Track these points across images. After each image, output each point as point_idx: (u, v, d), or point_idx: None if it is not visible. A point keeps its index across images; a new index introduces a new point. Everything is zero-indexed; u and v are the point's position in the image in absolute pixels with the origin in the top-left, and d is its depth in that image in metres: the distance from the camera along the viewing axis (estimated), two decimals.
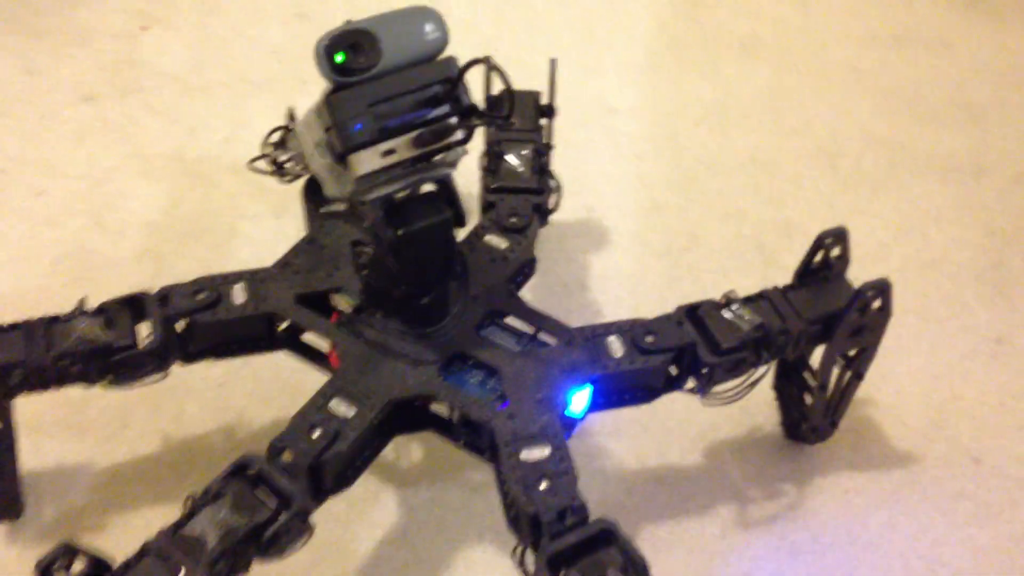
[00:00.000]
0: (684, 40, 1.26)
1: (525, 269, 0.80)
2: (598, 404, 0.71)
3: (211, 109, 1.14)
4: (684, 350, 0.70)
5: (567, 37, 1.26)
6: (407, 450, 0.83)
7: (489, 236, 0.78)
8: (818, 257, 0.74)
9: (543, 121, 0.89)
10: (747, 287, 0.75)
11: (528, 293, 0.95)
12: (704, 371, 0.70)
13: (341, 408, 0.65)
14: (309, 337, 0.74)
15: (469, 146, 0.65)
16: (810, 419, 0.80)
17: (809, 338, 0.73)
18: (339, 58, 0.60)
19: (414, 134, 0.61)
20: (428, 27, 0.62)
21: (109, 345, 0.68)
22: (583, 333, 0.71)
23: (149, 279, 0.95)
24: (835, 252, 0.74)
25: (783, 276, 0.77)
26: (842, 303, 0.72)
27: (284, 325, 0.74)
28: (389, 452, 0.81)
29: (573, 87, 1.19)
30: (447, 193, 0.67)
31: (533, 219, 0.80)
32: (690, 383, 0.72)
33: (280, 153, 0.73)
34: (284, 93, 1.16)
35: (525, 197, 0.81)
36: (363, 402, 0.66)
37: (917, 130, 1.15)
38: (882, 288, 0.72)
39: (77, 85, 1.16)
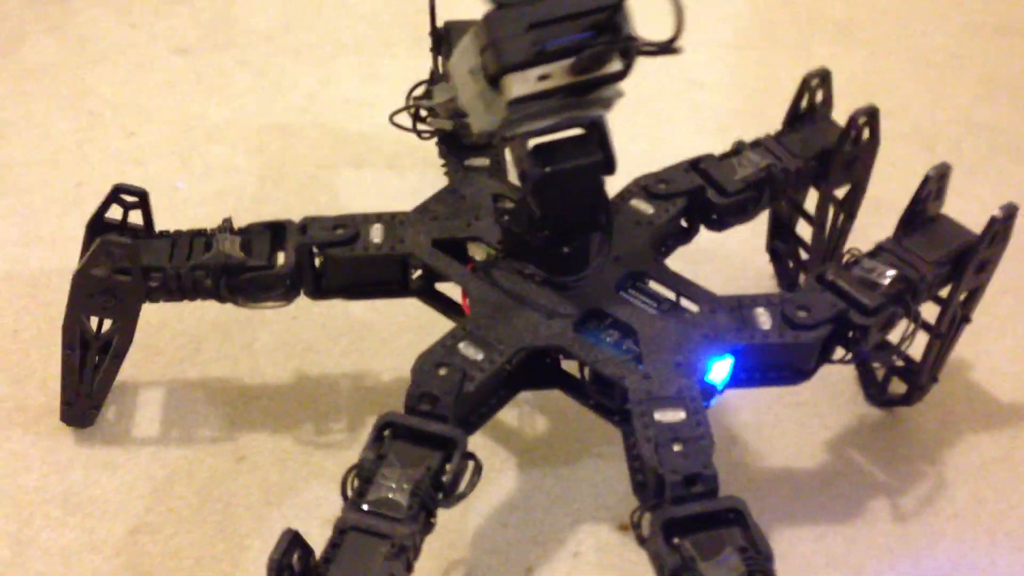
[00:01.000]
0: (776, 21, 1.24)
1: (671, 239, 0.77)
2: (741, 379, 0.68)
3: (299, 66, 1.16)
4: (837, 319, 0.66)
5: (655, 14, 1.25)
6: (532, 420, 0.81)
7: (636, 200, 0.75)
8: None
9: None
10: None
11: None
12: (855, 335, 0.67)
13: (470, 351, 0.64)
14: (442, 288, 0.74)
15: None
16: (918, 375, 0.77)
17: (937, 281, 0.71)
18: None
19: (571, 59, 0.59)
20: None
21: (243, 263, 0.70)
22: (729, 302, 0.68)
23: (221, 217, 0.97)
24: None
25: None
26: (961, 239, 0.71)
27: (417, 273, 0.73)
28: (513, 420, 0.80)
29: (659, 61, 1.17)
30: (599, 137, 0.65)
31: (682, 197, 0.75)
32: (839, 352, 0.69)
33: (424, 103, 0.76)
34: (370, 55, 1.17)
35: (685, 170, 0.77)
36: (493, 348, 0.64)
37: (1020, 118, 1.10)
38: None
39: (173, 38, 1.19)
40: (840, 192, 0.83)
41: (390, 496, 0.57)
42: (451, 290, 0.73)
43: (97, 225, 0.72)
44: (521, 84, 0.59)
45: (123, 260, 0.69)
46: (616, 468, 0.77)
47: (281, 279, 0.71)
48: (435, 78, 0.82)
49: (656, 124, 1.09)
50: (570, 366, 0.68)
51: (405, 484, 0.57)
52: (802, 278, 0.89)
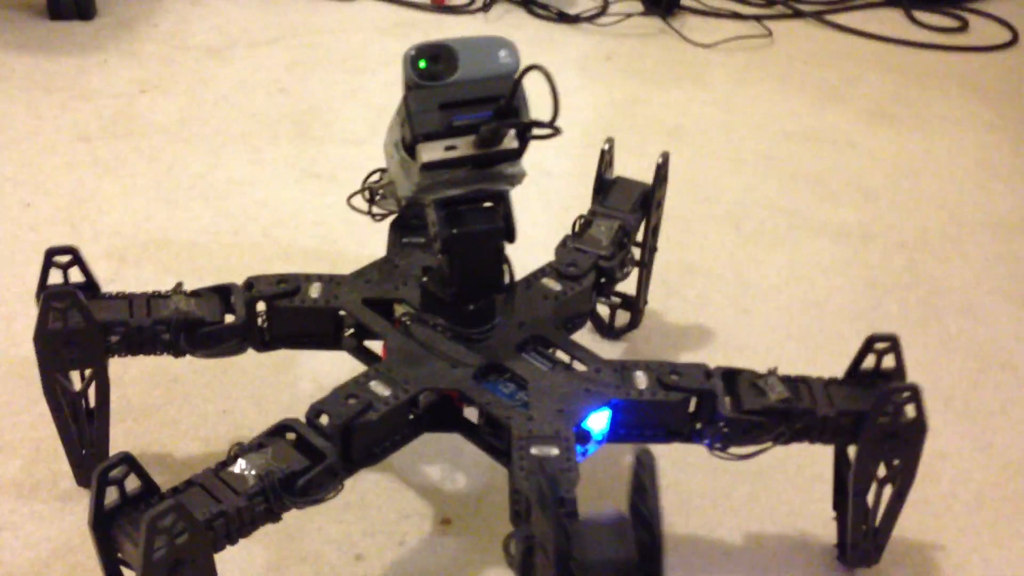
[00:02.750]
0: (618, 126, 1.42)
1: (577, 317, 0.87)
2: (618, 433, 0.76)
3: (191, 153, 1.29)
4: (704, 395, 0.74)
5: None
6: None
7: (547, 279, 0.85)
8: (870, 361, 0.76)
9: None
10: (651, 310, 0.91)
11: None
12: (721, 425, 0.74)
13: (379, 388, 0.72)
14: (369, 344, 0.83)
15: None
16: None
17: (836, 429, 0.75)
18: (421, 64, 0.71)
19: (475, 136, 0.69)
20: (502, 52, 0.72)
21: (201, 319, 0.79)
22: (613, 364, 0.77)
23: (113, 275, 1.08)
24: (889, 361, 0.77)
25: (682, 306, 0.99)
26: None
27: (350, 331, 0.83)
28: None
29: None
30: (504, 209, 0.74)
31: (591, 275, 0.86)
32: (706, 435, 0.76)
33: (376, 187, 0.88)
34: (257, 144, 1.31)
35: (590, 255, 0.87)
36: (399, 386, 0.73)
37: (816, 204, 1.28)
38: (913, 391, 0.73)
39: (76, 129, 1.32)
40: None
41: (242, 473, 0.66)
42: (377, 347, 0.81)
43: (44, 291, 0.77)
44: (431, 152, 0.69)
45: (71, 308, 0.75)
46: (442, 471, 0.88)
47: (233, 331, 0.80)
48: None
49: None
50: (471, 415, 0.76)
51: (259, 471, 0.66)
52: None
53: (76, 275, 0.80)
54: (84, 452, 0.81)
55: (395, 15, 1.68)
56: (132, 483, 0.63)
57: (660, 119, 1.45)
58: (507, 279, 0.77)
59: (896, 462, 0.75)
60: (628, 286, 0.98)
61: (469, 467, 0.89)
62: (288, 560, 0.80)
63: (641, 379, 0.75)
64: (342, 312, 0.81)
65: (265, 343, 0.83)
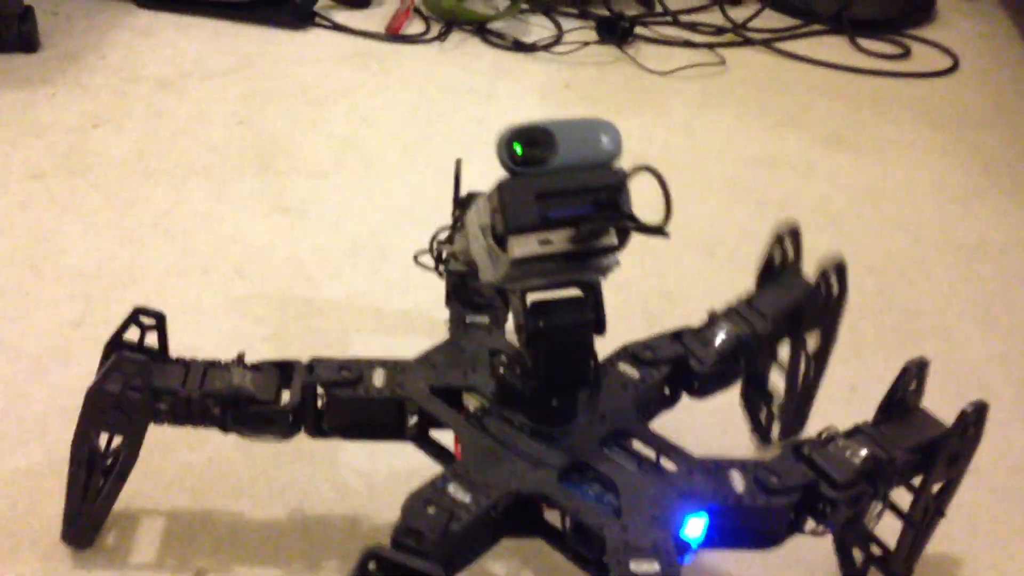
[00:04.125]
0: None
1: (655, 404, 0.81)
2: (715, 540, 0.71)
3: (151, 188, 1.25)
4: (807, 489, 0.70)
5: (480, 149, 1.41)
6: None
7: (623, 364, 0.80)
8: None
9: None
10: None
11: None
12: (825, 507, 0.71)
13: (458, 493, 0.67)
14: (436, 435, 0.78)
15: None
16: (891, 562, 0.80)
17: (909, 468, 0.76)
18: (517, 149, 0.65)
19: (572, 230, 0.64)
20: (604, 138, 0.67)
21: (252, 396, 0.74)
22: (705, 463, 0.72)
23: (80, 317, 1.03)
24: (912, 386, 0.78)
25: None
26: (934, 431, 0.77)
27: (414, 420, 0.77)
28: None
29: (483, 184, 1.32)
30: (593, 299, 0.69)
31: (668, 365, 0.80)
32: (810, 523, 0.72)
33: (446, 248, 0.84)
34: (219, 179, 1.28)
35: (669, 340, 0.82)
36: (480, 491, 0.67)
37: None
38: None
39: (28, 166, 1.27)
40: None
41: None
42: (443, 437, 0.77)
43: (116, 344, 0.76)
44: (523, 246, 0.64)
45: (136, 377, 0.72)
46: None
47: (284, 415, 0.74)
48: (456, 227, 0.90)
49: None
50: (552, 517, 0.71)
51: None
52: (776, 428, 0.93)
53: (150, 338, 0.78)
54: (84, 511, 0.77)
55: (351, 45, 1.66)
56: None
57: (624, 146, 1.45)
58: (594, 373, 0.72)
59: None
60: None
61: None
62: None
63: (738, 480, 0.70)
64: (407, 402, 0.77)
65: (321, 431, 0.77)
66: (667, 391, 0.82)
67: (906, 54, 1.81)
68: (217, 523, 0.84)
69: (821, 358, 0.85)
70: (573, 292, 0.69)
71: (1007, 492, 0.95)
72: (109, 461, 0.76)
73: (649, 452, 0.73)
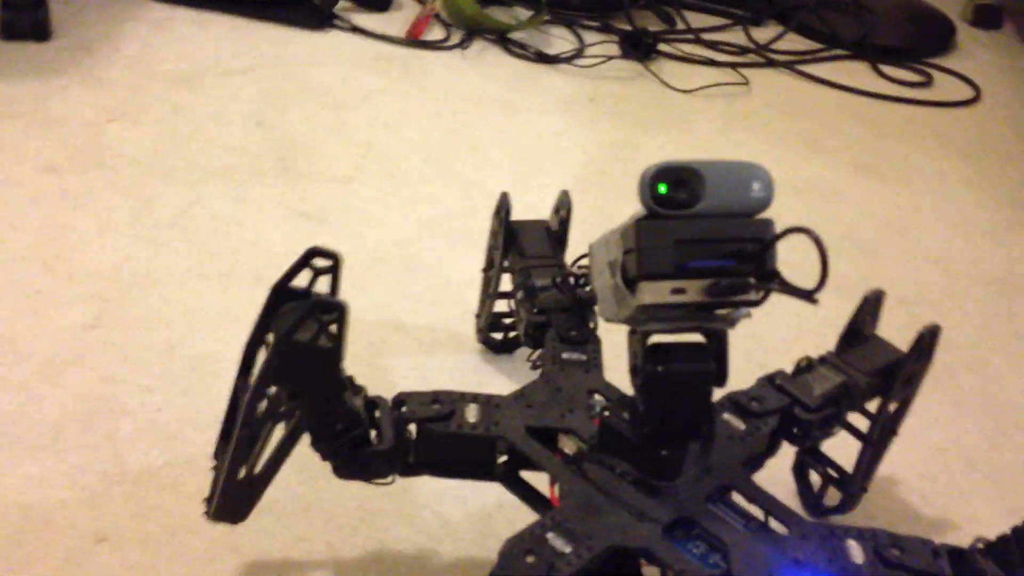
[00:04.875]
0: (609, 171, 1.39)
1: (759, 457, 0.78)
2: None
3: (168, 187, 1.21)
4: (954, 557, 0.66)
5: (504, 160, 1.38)
6: None
7: (727, 415, 0.76)
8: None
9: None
10: None
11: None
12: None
13: (558, 543, 0.63)
14: (526, 475, 0.74)
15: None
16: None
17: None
18: (661, 188, 0.60)
19: (709, 281, 0.60)
20: (756, 184, 0.62)
21: (363, 435, 0.68)
22: (820, 529, 0.67)
23: (95, 319, 0.99)
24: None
25: None
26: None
27: (503, 459, 0.73)
28: None
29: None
30: (716, 349, 0.65)
31: (775, 417, 0.76)
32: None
33: (583, 271, 0.80)
34: (239, 180, 1.24)
35: (771, 387, 0.78)
36: (581, 542, 0.63)
37: (816, 258, 1.27)
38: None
39: (41, 159, 1.23)
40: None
41: None
42: (537, 474, 0.73)
43: (283, 289, 0.67)
44: (655, 293, 0.60)
45: (330, 326, 0.63)
46: None
47: (381, 455, 0.69)
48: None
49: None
50: (649, 573, 0.68)
51: None
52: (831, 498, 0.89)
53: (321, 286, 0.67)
54: (244, 481, 0.68)
55: (370, 48, 1.62)
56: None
57: (648, 159, 1.42)
58: (708, 425, 0.68)
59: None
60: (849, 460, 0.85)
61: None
62: None
63: (856, 551, 0.65)
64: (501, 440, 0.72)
65: (408, 467, 0.72)
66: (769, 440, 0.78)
67: (928, 82, 1.79)
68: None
69: (895, 424, 0.82)
70: (695, 337, 0.65)
71: None
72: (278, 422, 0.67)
73: (756, 511, 0.69)
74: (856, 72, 1.80)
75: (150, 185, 1.21)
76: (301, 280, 0.67)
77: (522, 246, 0.93)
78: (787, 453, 0.83)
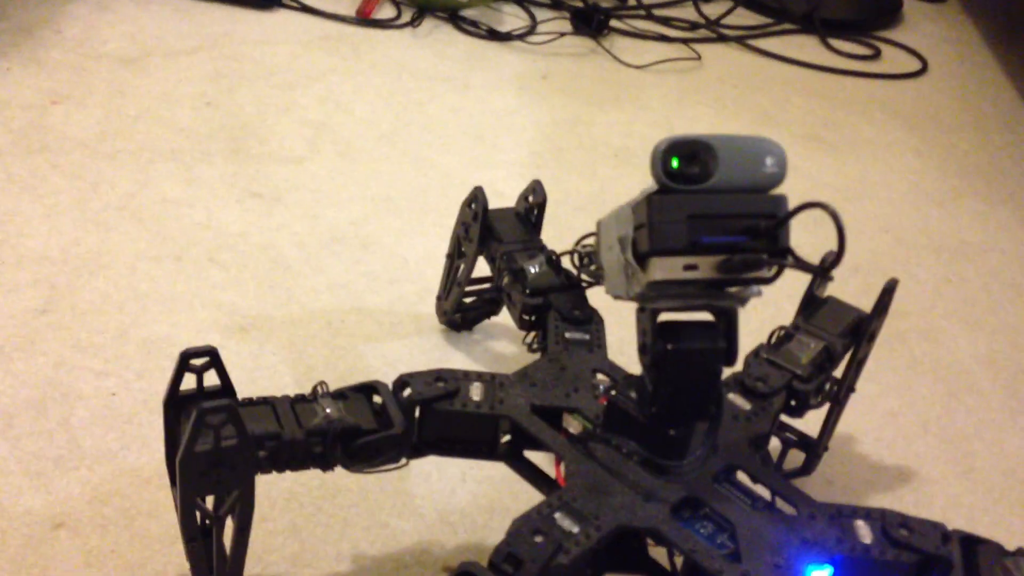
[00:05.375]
0: (565, 148, 1.39)
1: (758, 440, 0.76)
2: None
3: (116, 170, 1.18)
4: (939, 563, 0.65)
5: (458, 138, 1.38)
6: None
7: (733, 395, 0.75)
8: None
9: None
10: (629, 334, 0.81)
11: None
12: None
13: (565, 522, 0.62)
14: (530, 455, 0.74)
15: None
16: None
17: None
18: (673, 163, 0.59)
19: (722, 257, 0.59)
20: (769, 160, 0.60)
21: (358, 427, 0.67)
22: (827, 509, 0.67)
23: (44, 304, 0.97)
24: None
25: None
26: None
27: (507, 438, 0.72)
28: None
29: (463, 176, 1.29)
30: (726, 327, 0.64)
31: (781, 395, 0.76)
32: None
33: (587, 251, 0.79)
34: (188, 161, 1.22)
35: (784, 372, 0.77)
36: (588, 522, 0.62)
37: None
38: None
39: None
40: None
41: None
42: (541, 455, 0.73)
43: (174, 399, 0.66)
44: (666, 269, 0.59)
45: (227, 425, 0.62)
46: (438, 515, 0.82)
47: (394, 441, 0.68)
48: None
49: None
50: (656, 554, 0.68)
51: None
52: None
53: (210, 378, 0.66)
54: None
55: (319, 28, 1.60)
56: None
57: (605, 140, 1.43)
58: (716, 405, 0.67)
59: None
60: (807, 425, 0.86)
61: (464, 511, 0.84)
62: None
63: (864, 531, 0.65)
64: (506, 419, 0.71)
65: (413, 447, 0.71)
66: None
67: (876, 55, 1.82)
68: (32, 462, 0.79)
69: (852, 384, 0.85)
70: (704, 315, 0.64)
71: (1002, 494, 0.95)
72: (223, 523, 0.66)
73: (763, 492, 0.68)
74: (805, 46, 1.81)
75: (97, 168, 1.18)
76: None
77: (499, 233, 0.92)
78: None
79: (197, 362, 0.65)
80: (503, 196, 1.27)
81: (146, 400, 0.88)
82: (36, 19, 1.48)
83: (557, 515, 0.62)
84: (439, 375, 0.71)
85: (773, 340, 0.81)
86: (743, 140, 0.60)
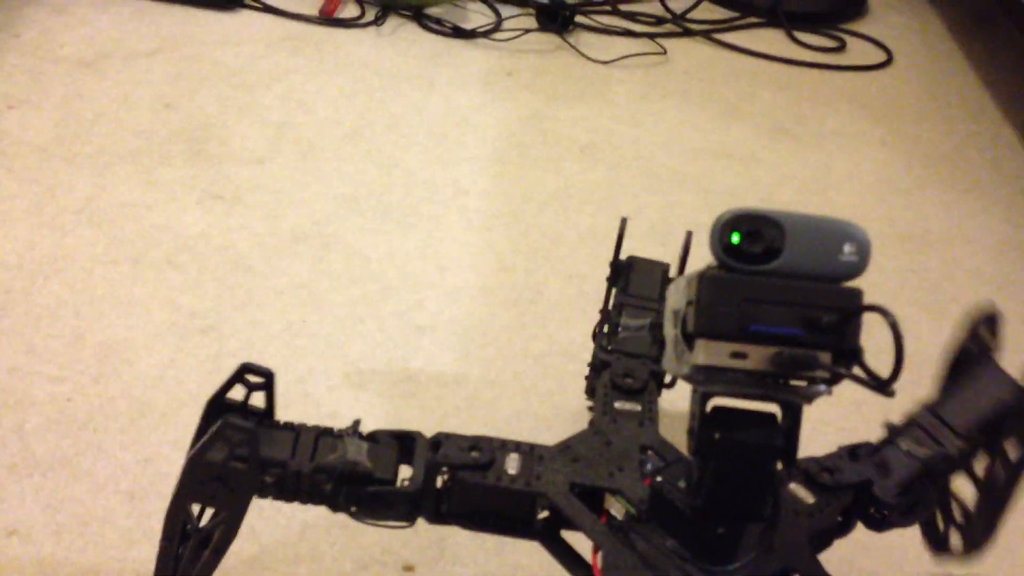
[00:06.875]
0: (529, 144, 1.39)
1: (828, 536, 0.69)
2: None
3: (73, 174, 1.17)
4: None
5: (422, 136, 1.37)
6: None
7: (795, 485, 0.68)
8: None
9: None
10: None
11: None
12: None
13: None
14: (567, 535, 0.69)
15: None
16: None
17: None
18: (735, 238, 0.53)
19: (775, 350, 0.53)
20: (847, 247, 0.55)
21: (370, 473, 0.64)
22: None
23: (1, 309, 0.96)
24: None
25: None
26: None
27: (543, 515, 0.68)
28: None
29: (427, 174, 1.28)
30: (789, 422, 0.57)
31: (850, 493, 0.68)
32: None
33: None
34: (147, 164, 1.21)
35: (849, 459, 0.69)
36: None
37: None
38: None
39: None
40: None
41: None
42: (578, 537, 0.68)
43: (218, 404, 0.66)
44: (712, 354, 0.54)
45: (242, 447, 0.62)
46: None
47: (406, 498, 0.65)
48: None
49: (430, 223, 1.18)
50: None
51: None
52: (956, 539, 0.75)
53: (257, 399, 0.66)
54: None
55: (281, 28, 1.59)
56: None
57: (570, 135, 1.42)
58: (772, 508, 0.60)
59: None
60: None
61: None
62: None
63: None
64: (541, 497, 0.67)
65: (440, 515, 0.67)
66: (841, 519, 0.70)
67: (841, 47, 1.82)
68: None
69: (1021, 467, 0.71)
70: (770, 405, 0.58)
71: None
72: (203, 536, 0.65)
73: None
74: (771, 39, 1.81)
75: (53, 171, 1.17)
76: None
77: (629, 283, 0.88)
78: None
79: (254, 380, 0.65)
80: (467, 193, 1.26)
81: (102, 405, 0.87)
82: None
83: None
84: (475, 443, 0.67)
85: (883, 437, 0.71)
86: (819, 221, 0.54)
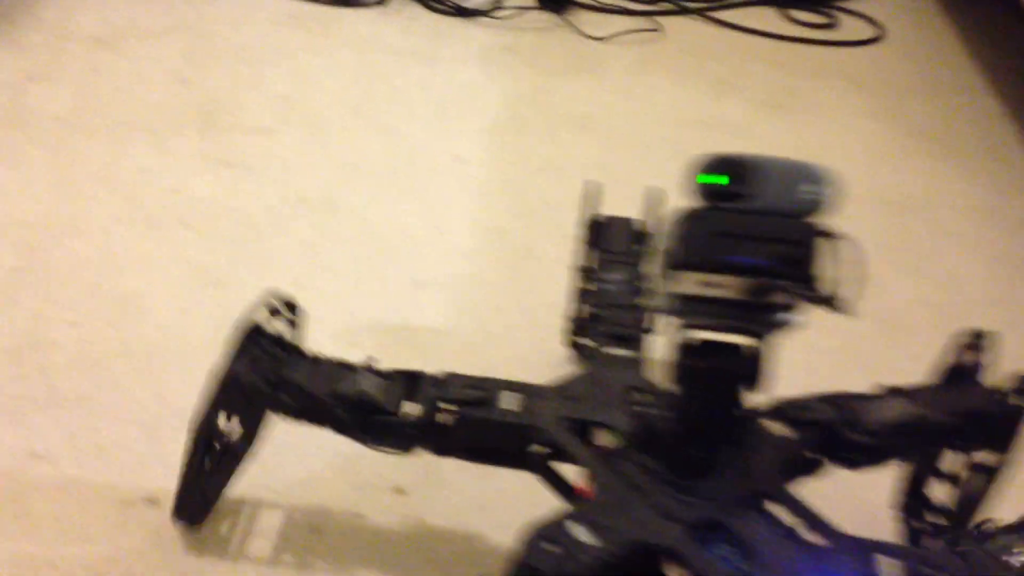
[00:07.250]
0: (525, 115, 1.44)
1: (798, 468, 0.73)
2: None
3: (91, 143, 1.24)
4: None
5: (424, 109, 1.42)
6: None
7: (771, 421, 0.73)
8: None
9: None
10: None
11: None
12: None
13: (580, 533, 0.62)
14: (556, 465, 0.74)
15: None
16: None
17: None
18: (707, 179, 0.59)
19: (744, 279, 0.58)
20: (809, 186, 0.60)
21: (378, 404, 0.70)
22: (855, 543, 0.64)
23: (24, 263, 1.02)
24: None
25: None
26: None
27: (536, 447, 0.72)
28: None
29: (428, 144, 1.34)
30: (756, 351, 0.62)
31: (820, 428, 0.72)
32: None
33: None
34: (161, 135, 1.27)
35: (826, 402, 0.74)
36: (605, 536, 0.62)
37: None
38: None
39: None
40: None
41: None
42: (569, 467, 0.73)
43: (250, 327, 0.72)
44: (686, 283, 0.59)
45: (267, 367, 0.69)
46: None
47: (408, 428, 0.70)
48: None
49: (430, 190, 1.24)
50: (672, 574, 0.66)
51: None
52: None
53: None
54: (198, 489, 0.75)
55: (288, 7, 1.65)
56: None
57: (567, 109, 1.48)
58: (736, 429, 0.66)
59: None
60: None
61: None
62: (241, 536, 0.78)
63: (892, 568, 0.63)
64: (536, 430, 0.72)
65: (443, 449, 0.73)
66: (811, 456, 0.74)
67: (834, 24, 1.86)
68: (336, 527, 0.82)
69: (995, 475, 0.77)
70: (745, 339, 0.63)
71: None
72: (226, 441, 0.74)
73: (790, 520, 0.67)
74: (766, 17, 1.86)
75: (73, 142, 1.23)
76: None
77: (604, 239, 0.94)
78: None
79: (285, 312, 0.73)
80: (466, 162, 1.32)
81: (119, 348, 0.93)
82: (13, 3, 1.52)
83: (573, 525, 0.62)
84: (475, 383, 0.72)
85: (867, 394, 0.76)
86: (783, 163, 0.60)
